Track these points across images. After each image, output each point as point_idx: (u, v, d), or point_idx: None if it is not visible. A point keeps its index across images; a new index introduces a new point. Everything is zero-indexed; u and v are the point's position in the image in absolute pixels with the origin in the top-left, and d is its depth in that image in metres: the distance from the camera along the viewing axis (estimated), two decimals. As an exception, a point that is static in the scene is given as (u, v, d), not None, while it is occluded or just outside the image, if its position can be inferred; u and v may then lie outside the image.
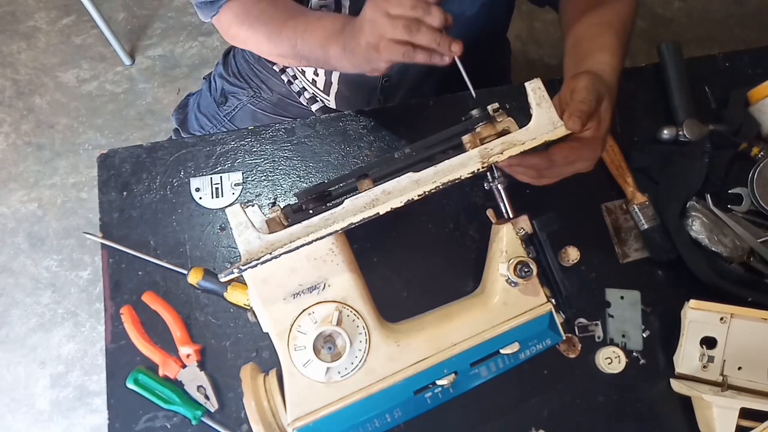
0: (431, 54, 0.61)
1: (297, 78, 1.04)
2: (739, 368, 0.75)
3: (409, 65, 0.92)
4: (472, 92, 0.63)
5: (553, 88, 0.63)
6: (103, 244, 0.83)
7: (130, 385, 0.76)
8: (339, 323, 0.59)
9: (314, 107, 1.06)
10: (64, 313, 1.67)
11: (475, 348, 0.64)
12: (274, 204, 0.85)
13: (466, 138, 0.63)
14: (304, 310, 0.60)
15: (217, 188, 0.85)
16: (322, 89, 1.00)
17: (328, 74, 0.96)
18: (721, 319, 0.75)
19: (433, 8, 0.59)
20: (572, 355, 0.79)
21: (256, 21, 0.78)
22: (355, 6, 0.84)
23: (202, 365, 0.78)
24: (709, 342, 0.75)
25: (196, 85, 1.83)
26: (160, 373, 0.78)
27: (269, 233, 0.58)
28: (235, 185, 0.85)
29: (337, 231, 0.57)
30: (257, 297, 0.60)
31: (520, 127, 0.62)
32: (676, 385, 0.76)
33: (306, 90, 1.04)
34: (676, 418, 0.77)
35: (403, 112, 0.89)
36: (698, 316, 0.75)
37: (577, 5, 0.80)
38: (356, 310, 0.61)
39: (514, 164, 0.67)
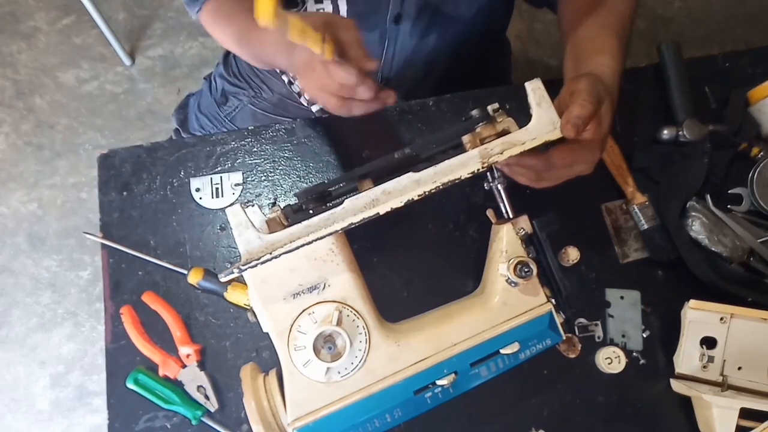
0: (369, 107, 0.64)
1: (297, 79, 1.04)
2: (739, 368, 0.75)
3: (407, 66, 0.92)
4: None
5: (553, 88, 0.63)
6: (103, 244, 0.83)
7: (130, 385, 0.76)
8: (339, 323, 0.59)
9: (314, 108, 1.06)
10: (64, 313, 1.67)
11: (475, 348, 0.64)
12: (274, 204, 0.85)
13: (466, 138, 0.63)
14: (304, 310, 0.60)
15: (217, 188, 0.85)
16: None
17: None
18: (721, 319, 0.75)
19: (359, 89, 0.61)
20: (572, 355, 0.79)
21: (225, 21, 0.79)
22: (353, 9, 0.83)
23: (202, 365, 0.78)
24: (709, 342, 0.75)
25: (196, 85, 1.83)
26: (160, 373, 0.78)
27: (269, 233, 0.58)
28: (235, 185, 0.85)
29: (337, 231, 0.57)
30: (257, 297, 0.60)
31: (520, 127, 0.62)
32: (676, 385, 0.76)
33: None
34: (676, 418, 0.77)
35: (403, 112, 0.89)
36: (698, 316, 0.75)
37: (576, 6, 0.80)
38: (356, 310, 0.61)
39: (512, 164, 0.67)
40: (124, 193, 0.85)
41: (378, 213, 0.57)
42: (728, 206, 0.83)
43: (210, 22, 0.82)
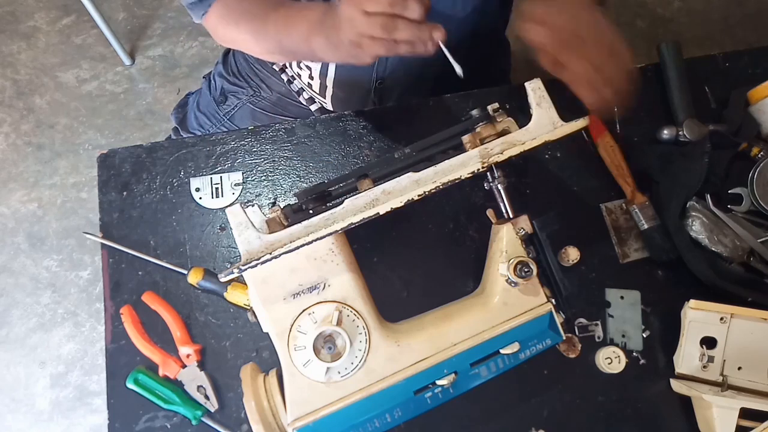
0: (414, 45, 0.60)
1: (296, 78, 1.04)
2: (739, 368, 0.75)
3: (401, 66, 0.92)
4: (459, 72, 0.62)
5: (553, 88, 0.63)
6: (103, 244, 0.83)
7: (130, 385, 0.76)
8: (339, 323, 0.59)
9: (313, 107, 1.06)
10: (64, 313, 1.67)
11: (475, 348, 0.64)
12: (274, 204, 0.85)
13: (466, 138, 0.63)
14: (304, 310, 0.60)
15: (217, 188, 0.85)
16: (318, 92, 1.00)
17: (323, 77, 0.96)
18: (721, 319, 0.75)
19: (410, 2, 0.58)
20: (572, 355, 0.79)
21: (240, 19, 0.78)
22: None
23: (202, 365, 0.78)
24: (709, 342, 0.75)
25: (196, 85, 1.83)
26: (160, 373, 0.78)
27: (269, 233, 0.58)
28: (235, 185, 0.85)
29: (337, 231, 0.57)
30: (257, 297, 0.60)
31: (520, 127, 0.62)
32: (676, 385, 0.76)
33: (304, 90, 1.04)
34: (676, 418, 0.77)
35: (403, 112, 0.89)
36: (698, 316, 0.75)
37: None
38: (356, 310, 0.61)
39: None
40: (124, 193, 0.85)
41: (378, 213, 0.57)
42: (728, 206, 0.83)
43: (221, 24, 0.81)
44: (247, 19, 0.77)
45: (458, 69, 0.62)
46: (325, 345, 0.60)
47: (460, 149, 0.63)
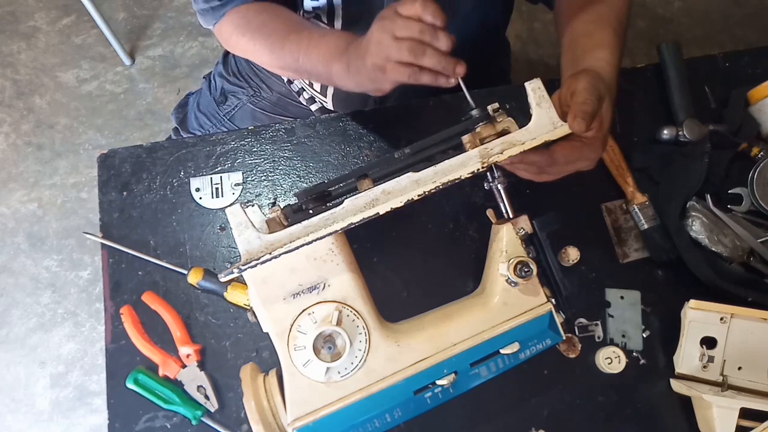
0: (437, 76, 0.62)
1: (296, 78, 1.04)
2: (739, 368, 0.75)
3: None
4: (472, 105, 0.64)
5: (553, 88, 0.63)
6: (103, 244, 0.83)
7: (130, 385, 0.76)
8: (339, 323, 0.59)
9: (313, 107, 1.06)
10: (64, 313, 1.67)
11: (475, 348, 0.64)
12: (274, 204, 0.85)
13: (466, 138, 0.63)
14: (304, 310, 0.60)
15: (217, 188, 0.85)
16: (319, 90, 1.00)
17: None
18: (721, 319, 0.75)
19: (440, 32, 0.60)
20: (572, 355, 0.79)
21: (257, 32, 0.79)
22: (348, 11, 0.83)
23: (202, 365, 0.78)
24: (709, 342, 0.75)
25: (196, 85, 1.83)
26: (160, 373, 0.78)
27: (269, 233, 0.58)
28: (235, 185, 0.85)
29: (337, 231, 0.57)
30: (257, 297, 0.60)
31: (520, 127, 0.62)
32: (676, 385, 0.76)
33: (305, 90, 1.04)
34: (676, 418, 0.77)
35: (403, 112, 0.89)
36: (698, 316, 0.75)
37: (573, 1, 0.80)
38: (356, 310, 0.61)
39: (515, 162, 0.68)
40: (124, 193, 0.85)
41: (378, 213, 0.57)
42: (728, 206, 0.83)
43: (235, 34, 0.81)
44: (265, 33, 0.78)
45: (472, 102, 0.64)
46: (325, 345, 0.60)
47: (460, 149, 0.63)
